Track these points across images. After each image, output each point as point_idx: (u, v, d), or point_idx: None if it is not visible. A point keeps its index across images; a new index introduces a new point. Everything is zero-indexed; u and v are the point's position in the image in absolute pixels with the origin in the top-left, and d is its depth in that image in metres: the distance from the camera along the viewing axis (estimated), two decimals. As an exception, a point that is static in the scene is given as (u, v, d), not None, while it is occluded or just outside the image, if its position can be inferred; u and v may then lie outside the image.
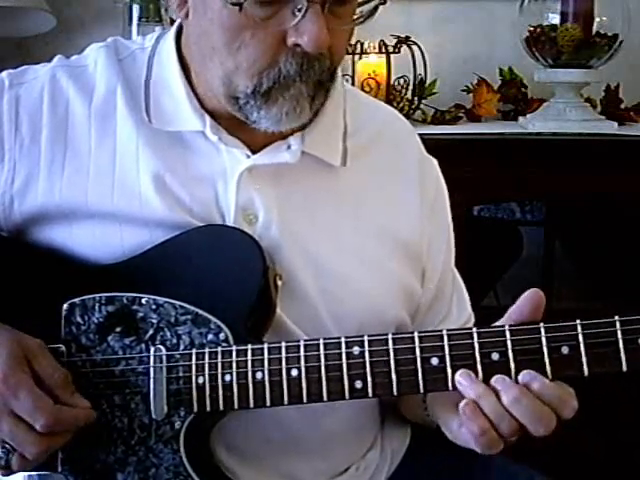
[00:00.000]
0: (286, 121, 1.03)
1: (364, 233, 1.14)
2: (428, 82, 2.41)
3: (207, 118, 1.08)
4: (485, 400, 0.94)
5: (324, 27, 0.97)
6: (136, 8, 2.43)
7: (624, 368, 0.93)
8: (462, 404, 0.95)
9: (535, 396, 0.93)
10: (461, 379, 0.95)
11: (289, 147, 1.09)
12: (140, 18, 2.43)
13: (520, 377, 0.94)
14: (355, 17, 1.03)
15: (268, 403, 0.99)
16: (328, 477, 1.18)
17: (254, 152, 1.09)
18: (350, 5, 1.02)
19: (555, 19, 2.29)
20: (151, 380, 1.02)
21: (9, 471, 0.98)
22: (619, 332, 0.93)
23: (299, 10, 0.97)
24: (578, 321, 0.95)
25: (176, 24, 1.14)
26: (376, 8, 1.04)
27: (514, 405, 0.93)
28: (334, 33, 1.00)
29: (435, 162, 1.25)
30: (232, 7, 0.97)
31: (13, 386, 0.95)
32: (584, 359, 0.94)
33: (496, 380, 0.94)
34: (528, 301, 0.97)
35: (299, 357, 0.98)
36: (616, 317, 0.94)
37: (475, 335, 0.96)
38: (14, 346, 0.97)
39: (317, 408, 1.04)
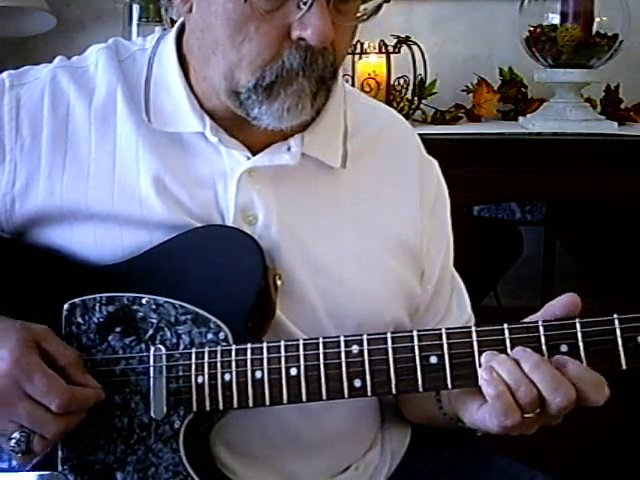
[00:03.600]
0: (287, 117, 1.03)
1: (363, 234, 1.14)
2: (428, 82, 2.41)
3: (207, 119, 1.08)
4: (504, 365, 0.94)
5: (329, 21, 0.97)
6: (136, 8, 2.43)
7: (623, 366, 0.94)
8: (481, 370, 0.95)
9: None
10: (485, 357, 0.96)
11: (289, 149, 1.09)
12: (140, 18, 2.43)
13: (554, 359, 0.95)
14: (359, 15, 1.04)
15: (267, 402, 0.99)
16: (328, 476, 1.18)
17: (254, 153, 1.09)
18: (354, 2, 1.02)
19: (555, 19, 2.28)
20: (151, 379, 1.02)
21: (30, 456, 0.98)
22: (618, 330, 0.93)
23: (304, 3, 0.97)
24: (577, 319, 0.95)
25: (177, 25, 1.14)
26: (380, 6, 1.04)
27: (534, 370, 0.93)
28: (338, 29, 1.00)
29: (435, 163, 1.25)
30: None
31: (26, 369, 0.95)
32: (583, 357, 0.94)
33: (516, 351, 0.95)
34: (562, 305, 0.97)
35: (298, 356, 0.99)
36: (615, 315, 0.94)
37: (474, 334, 0.96)
38: (23, 331, 0.98)
39: (317, 407, 1.04)
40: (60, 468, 1.03)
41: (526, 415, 0.95)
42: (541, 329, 0.95)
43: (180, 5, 1.07)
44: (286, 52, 1.00)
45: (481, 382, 0.95)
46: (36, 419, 0.96)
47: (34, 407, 0.96)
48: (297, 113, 1.03)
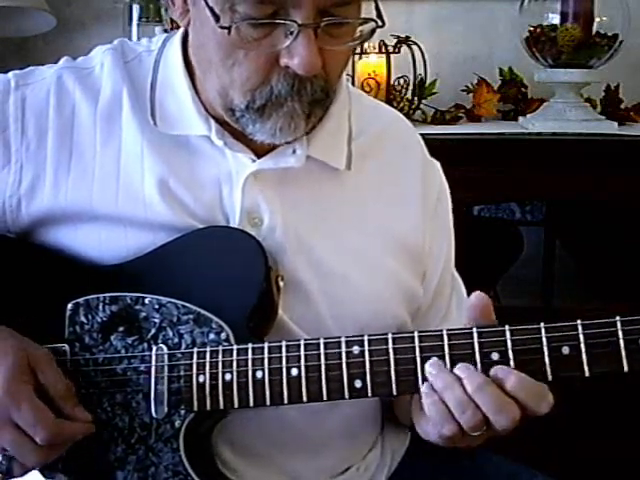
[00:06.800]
0: (280, 135, 1.03)
1: (367, 235, 1.14)
2: (428, 82, 2.41)
3: (212, 123, 1.08)
4: (450, 389, 0.94)
5: (315, 51, 0.96)
6: (136, 8, 2.43)
7: (625, 368, 0.93)
8: (423, 387, 0.95)
9: (502, 389, 0.93)
10: (431, 369, 0.96)
11: (294, 151, 1.09)
12: (140, 18, 2.44)
13: (491, 372, 0.94)
14: (356, 36, 1.02)
15: (268, 402, 0.99)
16: (329, 476, 1.18)
17: (259, 156, 1.09)
18: (348, 26, 1.01)
19: (555, 19, 2.28)
20: (152, 379, 1.02)
21: (9, 476, 0.99)
22: (620, 332, 0.93)
23: (291, 33, 0.96)
24: (579, 321, 0.95)
25: (183, 27, 1.13)
26: (373, 31, 1.03)
27: (477, 393, 0.93)
28: (330, 53, 0.99)
29: (438, 165, 1.25)
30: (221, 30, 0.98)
31: (15, 397, 0.96)
32: (584, 359, 0.94)
33: (460, 368, 0.95)
34: (474, 308, 0.98)
35: (299, 356, 0.99)
36: (617, 317, 0.93)
37: (475, 335, 0.96)
38: (19, 355, 0.98)
39: (319, 407, 1.04)
40: (61, 467, 1.03)
41: (473, 434, 0.95)
42: (543, 331, 0.95)
43: (179, 19, 1.07)
44: (274, 78, 1.00)
45: (425, 408, 0.96)
46: (19, 447, 0.97)
47: (19, 435, 0.96)
48: (290, 132, 1.03)
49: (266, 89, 1.00)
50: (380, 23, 1.02)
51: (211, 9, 0.98)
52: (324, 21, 0.97)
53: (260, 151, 1.09)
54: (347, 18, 0.99)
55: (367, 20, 1.02)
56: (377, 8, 1.03)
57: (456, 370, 0.95)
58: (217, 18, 0.97)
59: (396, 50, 2.36)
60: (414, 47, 2.37)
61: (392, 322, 1.14)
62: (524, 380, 0.94)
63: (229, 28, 0.97)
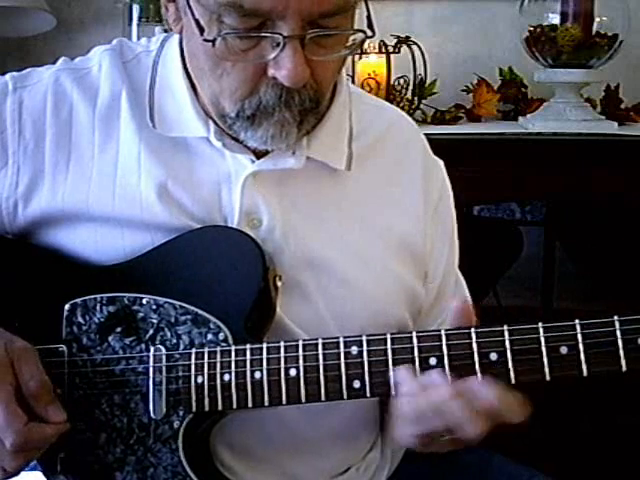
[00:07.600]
0: (272, 143, 1.03)
1: (368, 235, 1.14)
2: (428, 82, 2.42)
3: (211, 124, 1.08)
4: (418, 396, 0.94)
5: (301, 63, 0.96)
6: (136, 8, 2.43)
7: (623, 368, 0.93)
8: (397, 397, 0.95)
9: (474, 402, 0.92)
10: (397, 375, 0.96)
11: (293, 152, 1.09)
12: (140, 18, 2.44)
13: (463, 384, 0.94)
14: (348, 44, 1.01)
15: (267, 403, 0.99)
16: (329, 477, 1.18)
17: (258, 157, 1.09)
18: (338, 36, 0.99)
19: (555, 19, 2.29)
20: (150, 380, 1.02)
21: None
22: (618, 332, 0.93)
23: (277, 45, 0.96)
24: (577, 321, 0.94)
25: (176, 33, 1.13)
26: (364, 40, 1.02)
27: (445, 403, 0.92)
28: (319, 63, 0.98)
29: (441, 163, 1.24)
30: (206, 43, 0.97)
31: None
32: (583, 359, 0.93)
33: (433, 377, 0.94)
34: (458, 318, 0.98)
35: (298, 357, 0.98)
36: (615, 317, 0.93)
37: (473, 335, 0.96)
38: (0, 352, 0.97)
39: (318, 407, 1.03)
40: (59, 468, 1.03)
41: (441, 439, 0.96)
42: (541, 330, 0.94)
43: (173, 25, 1.07)
44: (262, 89, 0.99)
45: (397, 411, 0.96)
46: None
47: None
48: (282, 139, 1.02)
49: (255, 99, 1.00)
50: (370, 34, 1.01)
51: (197, 21, 0.97)
52: (310, 33, 0.96)
53: (259, 152, 1.09)
54: (336, 28, 0.98)
55: (356, 31, 1.01)
56: (368, 17, 1.02)
57: (427, 377, 0.95)
58: (202, 31, 0.97)
59: (396, 50, 2.36)
60: (414, 47, 2.37)
61: (392, 322, 1.14)
62: (497, 393, 0.92)
63: (213, 41, 0.96)
